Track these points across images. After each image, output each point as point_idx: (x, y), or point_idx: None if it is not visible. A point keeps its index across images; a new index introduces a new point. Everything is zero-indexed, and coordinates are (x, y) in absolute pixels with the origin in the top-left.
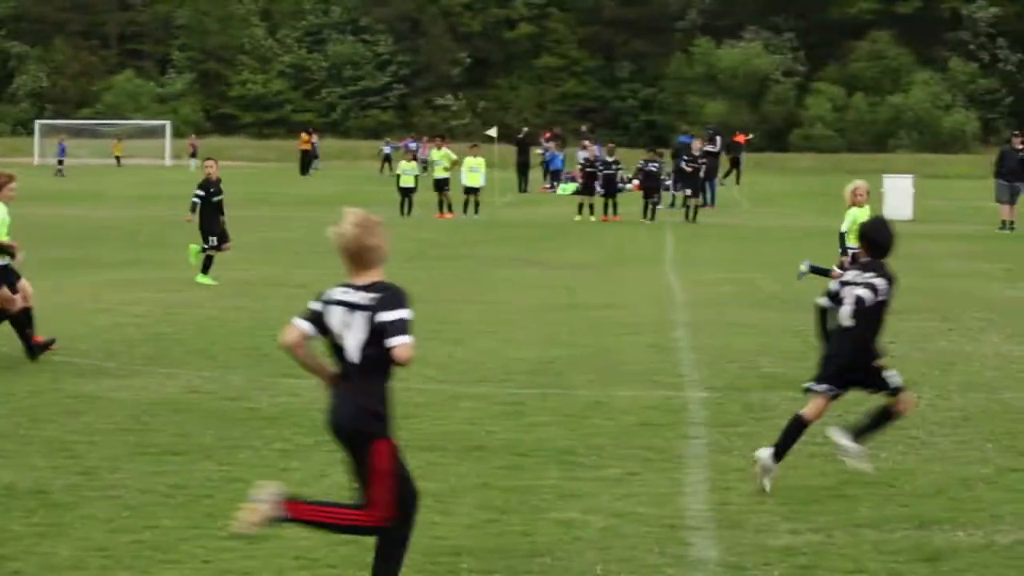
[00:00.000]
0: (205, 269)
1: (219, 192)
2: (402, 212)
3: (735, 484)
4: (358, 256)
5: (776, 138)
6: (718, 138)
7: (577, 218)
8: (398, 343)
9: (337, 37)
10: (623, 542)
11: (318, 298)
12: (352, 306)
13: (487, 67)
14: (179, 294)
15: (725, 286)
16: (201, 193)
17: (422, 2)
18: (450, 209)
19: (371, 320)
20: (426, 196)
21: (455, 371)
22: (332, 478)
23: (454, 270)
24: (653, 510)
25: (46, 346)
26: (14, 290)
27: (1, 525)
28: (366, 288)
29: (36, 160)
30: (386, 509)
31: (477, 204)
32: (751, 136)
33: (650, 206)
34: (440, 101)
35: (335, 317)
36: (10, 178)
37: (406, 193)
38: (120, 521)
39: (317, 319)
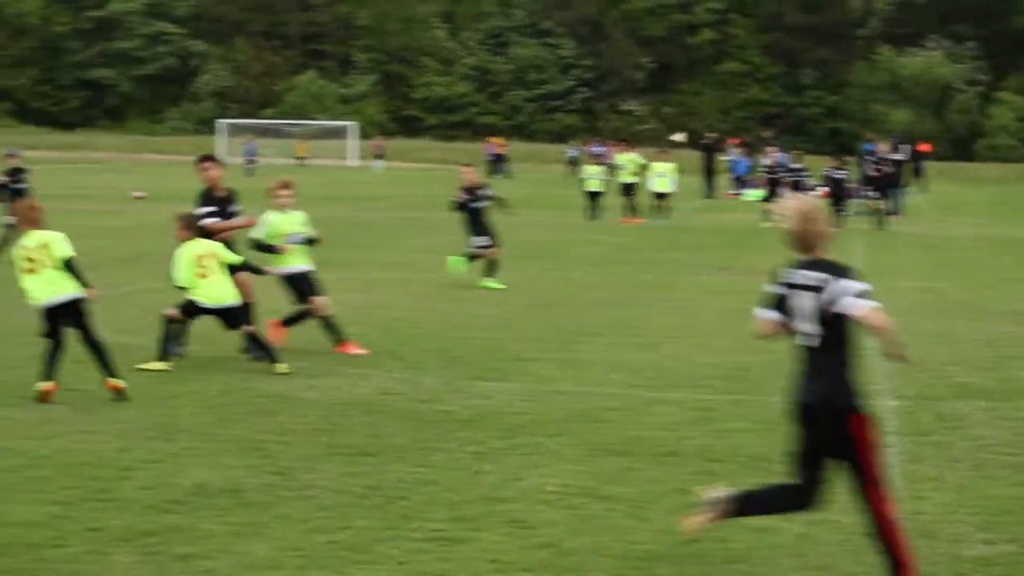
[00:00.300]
0: (470, 258)
1: (478, 199)
2: (589, 216)
3: (928, 494)
4: (802, 240)
5: (960, 147)
6: (904, 146)
7: (765, 224)
8: (865, 310)
9: (519, 40)
10: (818, 550)
11: (775, 282)
12: (805, 287)
13: (670, 72)
14: (365, 295)
15: (913, 294)
16: (464, 196)
17: (604, 6)
18: (637, 213)
19: (823, 298)
20: (613, 200)
21: (646, 376)
22: (527, 481)
23: (643, 275)
24: (848, 518)
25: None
26: (305, 299)
27: (194, 524)
28: (814, 267)
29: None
30: (884, 480)
31: (666, 209)
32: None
33: (837, 213)
34: (625, 106)
35: (794, 299)
36: (283, 185)
37: (593, 197)
38: (315, 521)
39: (779, 302)
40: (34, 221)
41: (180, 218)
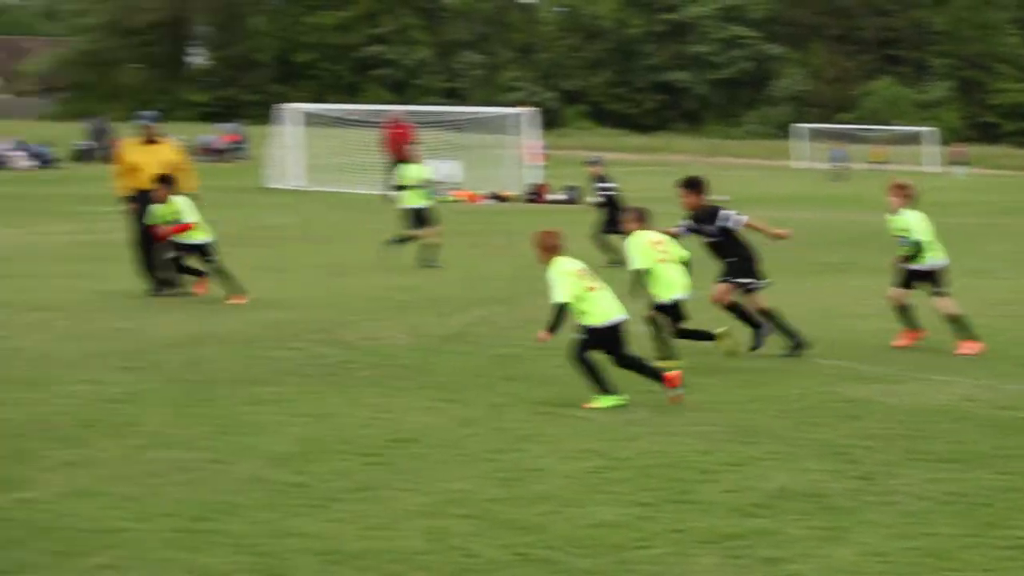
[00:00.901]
0: None
1: None
2: None
3: None
4: None
5: None
6: None
7: None
8: None
9: None
10: None
11: None
12: None
13: None
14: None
15: None
16: None
17: None
18: None
19: None
20: None
21: None
22: None
23: None
24: None
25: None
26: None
27: (778, 527)
28: None
29: (793, 163)
30: None
31: None
32: None
33: None
34: None
35: None
36: (892, 187)
37: None
38: (898, 527)
39: None
40: (555, 249)
41: (629, 210)
